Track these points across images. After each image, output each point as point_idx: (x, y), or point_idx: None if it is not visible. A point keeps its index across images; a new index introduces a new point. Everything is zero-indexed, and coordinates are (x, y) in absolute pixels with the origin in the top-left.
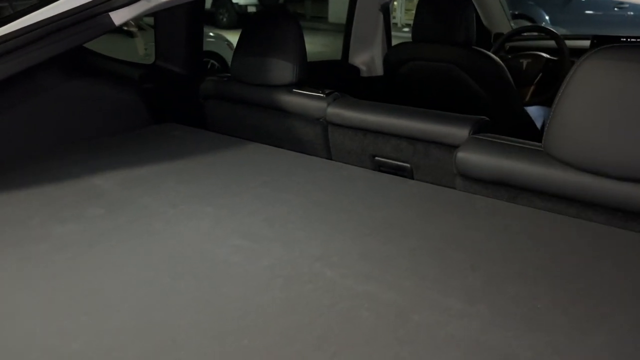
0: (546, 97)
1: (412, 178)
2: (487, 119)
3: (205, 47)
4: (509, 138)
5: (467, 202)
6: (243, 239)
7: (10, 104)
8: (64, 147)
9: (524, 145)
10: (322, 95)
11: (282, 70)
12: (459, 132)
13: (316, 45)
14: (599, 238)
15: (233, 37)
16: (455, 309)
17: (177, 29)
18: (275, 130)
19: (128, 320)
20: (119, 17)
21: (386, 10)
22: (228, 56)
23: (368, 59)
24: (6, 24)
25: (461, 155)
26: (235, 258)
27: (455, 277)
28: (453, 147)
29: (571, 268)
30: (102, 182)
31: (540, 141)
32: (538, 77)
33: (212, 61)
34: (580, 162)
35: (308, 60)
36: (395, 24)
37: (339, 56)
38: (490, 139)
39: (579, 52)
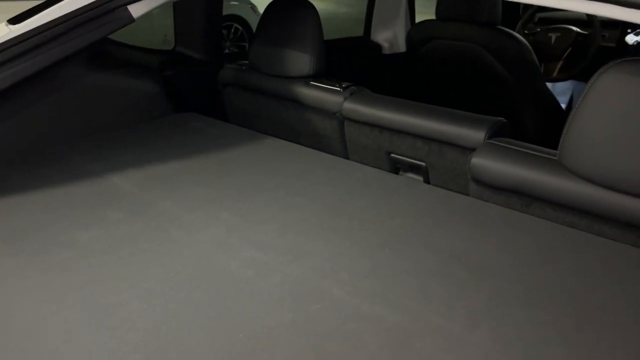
0: (575, 72)
1: (428, 176)
2: (504, 120)
3: (229, 11)
4: (525, 144)
5: (479, 210)
6: (256, 250)
7: (32, 98)
8: (85, 141)
9: (539, 154)
10: (338, 89)
11: (299, 61)
12: (474, 135)
13: (341, 5)
14: (610, 256)
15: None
16: (456, 335)
17: (197, 13)
18: (292, 122)
19: (143, 338)
20: (136, 10)
21: None
22: (252, 20)
23: (390, 36)
24: (33, 15)
25: (475, 160)
26: (248, 273)
27: (459, 298)
28: (468, 149)
29: (579, 290)
30: (123, 181)
31: (563, 123)
32: (567, 52)
33: (235, 25)
34: (594, 175)
35: (330, 30)
36: None
37: (362, 16)
38: (505, 144)
39: (611, 25)
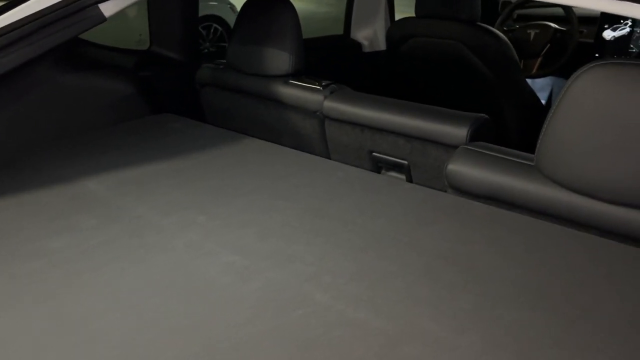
0: (554, 69)
1: (410, 175)
2: (486, 116)
3: (208, 11)
4: (502, 149)
5: (463, 209)
6: (235, 254)
7: (1, 100)
8: (58, 144)
9: (516, 159)
10: (318, 87)
11: (278, 59)
12: (456, 132)
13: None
14: (596, 252)
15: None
16: (444, 339)
17: (172, 12)
18: (272, 122)
19: (116, 351)
20: (108, 8)
21: None
22: (231, 20)
23: (370, 33)
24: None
25: (452, 167)
26: (227, 279)
27: (446, 300)
28: (450, 147)
29: (567, 289)
30: (96, 186)
31: (543, 119)
32: (546, 48)
33: (214, 25)
34: (570, 182)
35: (309, 30)
36: None
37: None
38: (482, 150)
39: (588, 21)
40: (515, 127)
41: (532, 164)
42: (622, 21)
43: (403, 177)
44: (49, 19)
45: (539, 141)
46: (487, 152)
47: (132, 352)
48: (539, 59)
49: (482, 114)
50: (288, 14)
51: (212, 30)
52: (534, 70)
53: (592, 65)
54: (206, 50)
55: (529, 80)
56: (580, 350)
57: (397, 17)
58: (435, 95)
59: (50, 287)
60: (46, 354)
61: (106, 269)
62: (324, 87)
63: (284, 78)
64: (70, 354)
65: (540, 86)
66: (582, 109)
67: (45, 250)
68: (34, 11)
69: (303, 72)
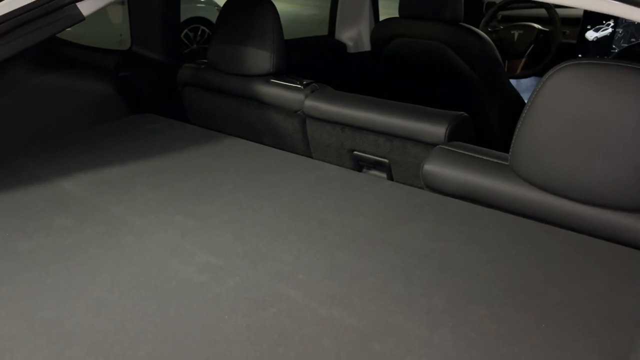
0: (538, 68)
1: (391, 174)
2: (465, 114)
3: (195, 13)
4: (478, 148)
5: (440, 206)
6: (210, 254)
7: None
8: (36, 144)
9: (491, 159)
10: (299, 86)
11: (259, 59)
12: (435, 130)
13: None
14: (569, 247)
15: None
16: (417, 336)
17: (153, 12)
18: (253, 121)
19: (85, 352)
20: (86, 7)
21: None
22: None
23: (355, 34)
24: None
25: (427, 167)
26: (201, 278)
27: (420, 297)
28: (430, 145)
29: (538, 284)
30: (73, 186)
31: None
32: (530, 49)
33: (202, 27)
34: (542, 182)
35: (298, 31)
36: None
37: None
38: (457, 149)
39: (571, 22)
40: (498, 127)
41: (506, 163)
42: (604, 22)
43: (384, 175)
44: (26, 17)
45: (513, 140)
46: (462, 151)
47: (104, 352)
48: (523, 60)
49: (461, 112)
50: (269, 14)
51: (199, 33)
52: (518, 71)
53: (564, 65)
54: (187, 50)
55: (513, 81)
56: (550, 346)
57: (382, 18)
58: (419, 96)
59: (21, 289)
60: (14, 353)
61: (79, 269)
62: (305, 86)
63: (266, 77)
64: (38, 355)
65: (525, 87)
66: (554, 109)
67: (18, 252)
68: (11, 9)
69: (284, 71)
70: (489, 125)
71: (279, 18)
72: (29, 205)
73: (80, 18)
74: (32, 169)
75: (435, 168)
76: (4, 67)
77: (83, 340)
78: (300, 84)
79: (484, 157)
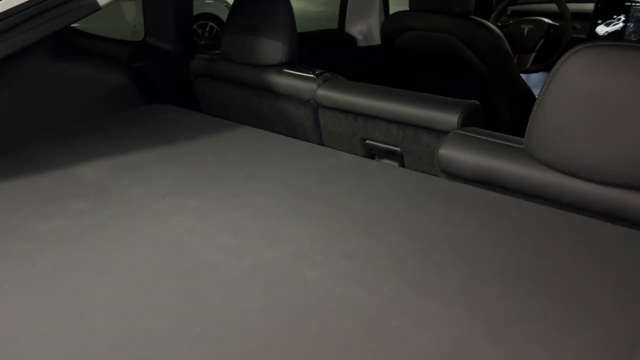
0: (547, 63)
1: (403, 162)
2: (478, 103)
3: (203, 9)
4: (492, 133)
5: (453, 192)
6: (228, 235)
7: None
8: (52, 133)
9: (506, 143)
10: (312, 76)
11: (272, 49)
12: (448, 118)
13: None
14: (583, 232)
15: None
16: (431, 314)
17: (166, 3)
18: (266, 111)
19: (109, 326)
20: None
21: None
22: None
23: (365, 28)
24: None
25: (443, 152)
26: (219, 257)
27: (434, 278)
28: (442, 133)
29: (553, 267)
30: (89, 172)
31: None
32: (540, 43)
33: (210, 23)
34: (558, 164)
35: (305, 27)
36: None
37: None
38: (472, 134)
39: (582, 17)
40: (509, 120)
41: (521, 147)
42: (614, 16)
43: (396, 164)
44: (42, 7)
45: (529, 124)
46: (477, 136)
47: (128, 326)
48: (533, 54)
49: (474, 101)
50: (281, 4)
51: (207, 29)
52: (528, 65)
53: (579, 47)
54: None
55: (523, 76)
56: (564, 326)
57: (392, 11)
58: (429, 89)
59: (43, 267)
60: (38, 328)
61: (99, 249)
62: (318, 75)
63: (278, 67)
64: (62, 328)
65: (535, 82)
66: (570, 91)
67: (38, 232)
68: None
69: (297, 61)
70: (499, 118)
71: (291, 8)
72: (47, 190)
73: (96, 8)
74: (49, 156)
75: (451, 152)
76: (21, 56)
77: (107, 315)
78: (313, 73)
79: (499, 141)
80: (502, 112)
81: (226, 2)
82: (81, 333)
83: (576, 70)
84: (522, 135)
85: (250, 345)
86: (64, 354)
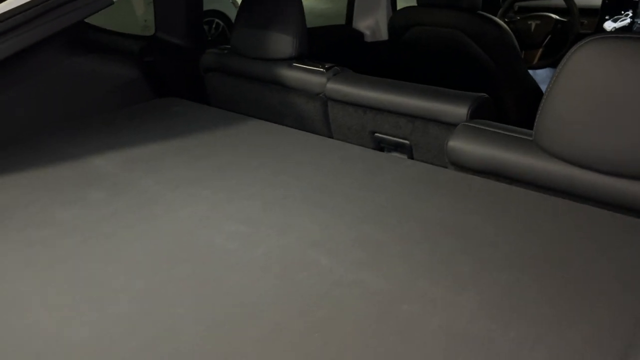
0: (554, 59)
1: (412, 155)
2: (487, 96)
3: (209, 6)
4: (501, 125)
5: (463, 183)
6: (240, 224)
7: (10, 82)
8: (66, 125)
9: (515, 135)
10: (322, 69)
11: (282, 43)
12: (457, 111)
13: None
14: (594, 223)
15: None
16: (443, 299)
17: None
18: (275, 104)
19: (128, 310)
20: None
21: None
22: (233, 15)
23: (372, 23)
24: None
25: (452, 144)
26: (232, 245)
27: (445, 264)
28: (452, 126)
29: (561, 255)
30: (104, 163)
31: None
32: (547, 39)
33: (216, 20)
34: (568, 155)
35: (313, 23)
36: None
37: (344, 12)
38: (481, 126)
39: (589, 12)
40: (515, 114)
41: (530, 139)
42: (622, 12)
43: (405, 157)
44: (56, 2)
45: (537, 115)
46: (487, 128)
47: (145, 311)
48: (540, 50)
49: (483, 94)
50: None
51: (214, 26)
52: (535, 61)
53: (588, 39)
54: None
55: (530, 72)
56: (574, 310)
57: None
58: (436, 84)
59: (62, 253)
60: (59, 311)
61: (115, 237)
62: (327, 69)
63: (288, 61)
64: (81, 312)
65: (542, 78)
66: (579, 83)
67: (56, 220)
68: None
69: (306, 55)
70: (505, 114)
71: (301, 2)
72: (63, 180)
73: (108, 2)
74: (64, 148)
75: (460, 144)
76: (35, 50)
77: (124, 299)
78: (323, 67)
79: (508, 133)
80: (509, 107)
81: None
82: (100, 317)
83: (586, 62)
84: (527, 128)
85: (265, 329)
86: (84, 337)
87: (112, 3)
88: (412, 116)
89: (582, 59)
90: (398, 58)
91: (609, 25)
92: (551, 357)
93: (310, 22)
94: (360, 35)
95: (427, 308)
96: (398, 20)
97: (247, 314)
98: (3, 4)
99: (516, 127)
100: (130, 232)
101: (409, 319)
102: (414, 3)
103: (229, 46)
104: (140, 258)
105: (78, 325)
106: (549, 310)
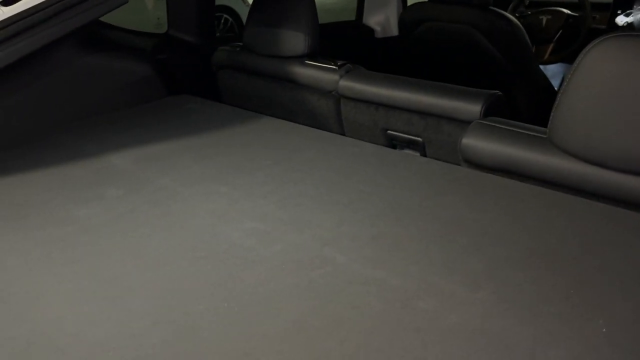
0: (566, 54)
1: (425, 152)
2: (500, 93)
3: (219, 2)
4: (515, 123)
5: (476, 180)
6: (257, 221)
7: (26, 80)
8: (81, 123)
9: (529, 132)
10: (334, 67)
11: (294, 41)
12: (470, 108)
13: None
14: (607, 220)
15: None
16: (459, 296)
17: None
18: (288, 102)
19: (148, 306)
20: None
21: None
22: (242, 11)
23: (383, 19)
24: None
25: (466, 141)
26: (250, 242)
27: (460, 262)
28: (464, 123)
29: (575, 252)
30: (120, 160)
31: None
32: (558, 34)
33: (225, 16)
34: (582, 153)
35: (322, 18)
36: None
37: (353, 6)
38: (495, 124)
39: (601, 7)
40: (526, 110)
41: (544, 136)
42: (635, 7)
43: (417, 154)
44: (72, 2)
45: (552, 113)
46: (500, 126)
47: (165, 307)
48: (551, 45)
49: (496, 91)
50: None
51: (222, 21)
52: (546, 56)
53: (603, 38)
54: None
55: (540, 67)
56: (589, 306)
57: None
58: (447, 80)
59: (81, 250)
60: (81, 307)
61: (133, 234)
62: (340, 66)
63: (300, 59)
64: (102, 308)
65: (552, 73)
66: (594, 81)
67: (75, 218)
68: None
69: (318, 53)
70: (516, 109)
71: (313, 0)
72: (80, 178)
73: (123, 1)
74: (80, 145)
75: (474, 142)
76: (52, 48)
77: (144, 295)
78: (335, 64)
79: (522, 131)
80: (520, 103)
81: None
82: (120, 313)
83: (601, 60)
84: (539, 124)
85: (283, 326)
86: (105, 332)
87: (127, 1)
88: (425, 113)
89: (597, 57)
90: (408, 54)
91: (621, 19)
92: (568, 354)
93: (321, 18)
94: (371, 31)
95: (443, 305)
96: (409, 16)
97: (265, 312)
98: (19, 3)
99: (530, 125)
100: (149, 229)
101: (425, 316)
102: None
103: (241, 43)
104: (157, 255)
105: (99, 322)
106: (565, 307)
